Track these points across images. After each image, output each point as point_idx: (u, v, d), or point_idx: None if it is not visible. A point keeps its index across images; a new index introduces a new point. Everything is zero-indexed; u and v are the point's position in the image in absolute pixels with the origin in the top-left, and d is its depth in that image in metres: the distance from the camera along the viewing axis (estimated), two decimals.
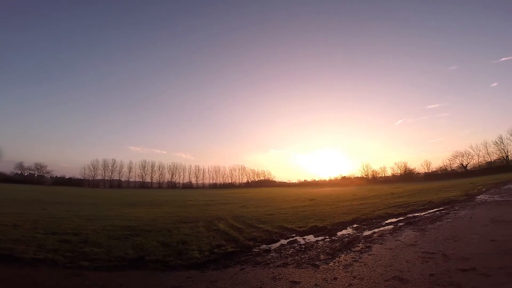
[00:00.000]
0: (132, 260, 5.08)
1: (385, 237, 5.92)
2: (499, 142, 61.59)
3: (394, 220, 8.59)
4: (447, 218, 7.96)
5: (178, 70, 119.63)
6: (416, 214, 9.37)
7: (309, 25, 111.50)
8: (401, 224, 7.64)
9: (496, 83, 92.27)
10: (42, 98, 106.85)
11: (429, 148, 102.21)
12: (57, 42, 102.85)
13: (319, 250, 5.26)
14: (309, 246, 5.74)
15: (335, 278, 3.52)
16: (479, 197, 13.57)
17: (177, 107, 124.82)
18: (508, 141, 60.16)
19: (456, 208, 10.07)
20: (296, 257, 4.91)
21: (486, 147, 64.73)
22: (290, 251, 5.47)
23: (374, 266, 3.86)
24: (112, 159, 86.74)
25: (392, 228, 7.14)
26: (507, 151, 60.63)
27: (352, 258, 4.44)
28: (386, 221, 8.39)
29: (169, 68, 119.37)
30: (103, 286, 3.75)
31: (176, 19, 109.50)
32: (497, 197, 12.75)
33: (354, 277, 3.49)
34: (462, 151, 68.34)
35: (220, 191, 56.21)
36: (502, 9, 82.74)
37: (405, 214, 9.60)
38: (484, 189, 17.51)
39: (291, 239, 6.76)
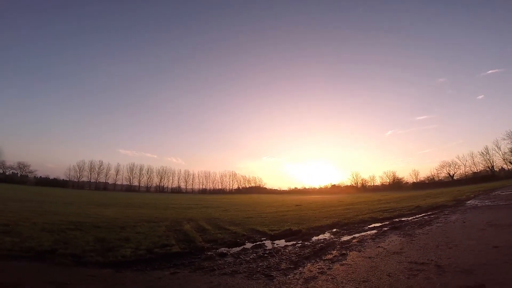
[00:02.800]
0: (42, 252, 4.45)
1: (366, 243, 4.97)
2: (485, 153, 62.50)
3: (378, 224, 7.67)
4: (437, 223, 7.11)
5: (173, 75, 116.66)
6: (403, 219, 8.51)
7: (306, 36, 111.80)
8: (385, 228, 6.73)
9: (482, 96, 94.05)
10: (32, 97, 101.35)
11: (417, 159, 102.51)
12: (48, 42, 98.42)
13: (283, 257, 4.26)
14: (274, 252, 4.73)
15: None
16: (469, 202, 12.91)
17: (170, 112, 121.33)
18: (493, 151, 61.11)
19: (446, 213, 9.28)
20: (253, 265, 3.90)
21: (472, 157, 65.59)
22: (250, 257, 4.47)
23: (344, 281, 2.89)
24: (100, 161, 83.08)
25: (375, 233, 6.21)
26: (493, 162, 61.55)
27: (319, 268, 3.45)
28: (369, 226, 7.48)
29: (164, 73, 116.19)
30: None
31: (171, 26, 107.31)
32: (487, 202, 12.11)
33: None
34: (449, 161, 69.06)
35: (208, 197, 54.47)
36: (490, 23, 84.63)
37: (391, 218, 8.73)
38: (472, 196, 16.95)
39: (258, 242, 5.79)
